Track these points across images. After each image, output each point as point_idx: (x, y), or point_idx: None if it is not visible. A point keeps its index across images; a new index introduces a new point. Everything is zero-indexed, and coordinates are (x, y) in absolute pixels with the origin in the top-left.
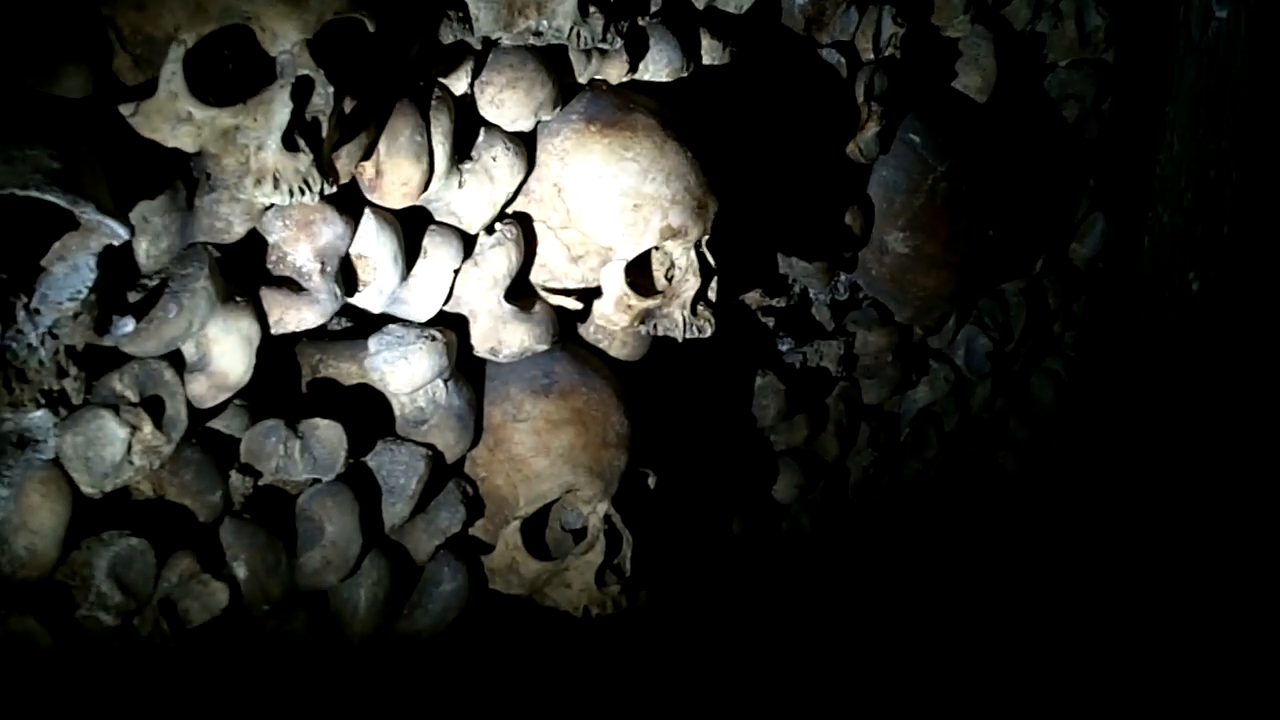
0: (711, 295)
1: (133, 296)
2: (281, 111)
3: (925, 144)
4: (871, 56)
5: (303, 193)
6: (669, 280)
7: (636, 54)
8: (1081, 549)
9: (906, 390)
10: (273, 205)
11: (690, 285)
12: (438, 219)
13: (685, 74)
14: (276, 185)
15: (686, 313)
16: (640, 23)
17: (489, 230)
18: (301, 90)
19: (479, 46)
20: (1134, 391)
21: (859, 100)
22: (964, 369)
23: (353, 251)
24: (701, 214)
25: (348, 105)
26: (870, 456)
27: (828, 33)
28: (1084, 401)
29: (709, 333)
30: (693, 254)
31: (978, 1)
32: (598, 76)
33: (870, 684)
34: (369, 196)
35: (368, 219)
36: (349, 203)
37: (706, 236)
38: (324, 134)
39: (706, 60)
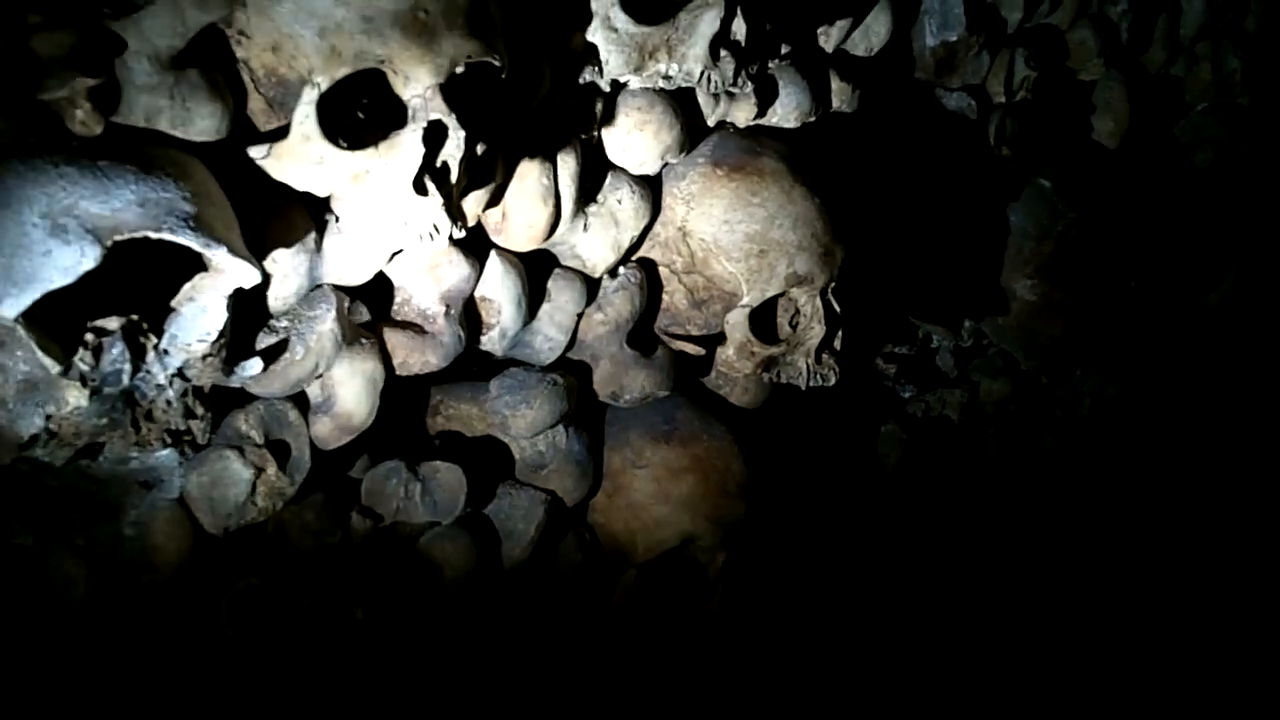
0: (837, 344)
1: (261, 337)
2: (413, 156)
3: (1056, 189)
4: (1003, 100)
5: (431, 238)
6: (793, 328)
7: (765, 97)
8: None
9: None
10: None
11: (815, 333)
12: (562, 262)
13: (813, 118)
14: (406, 229)
15: (811, 361)
16: (770, 67)
17: (612, 274)
18: (433, 134)
19: (608, 89)
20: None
21: (990, 143)
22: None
23: (477, 294)
24: (828, 261)
25: (478, 148)
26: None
27: (958, 76)
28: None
29: (833, 382)
30: (818, 301)
31: (1112, 45)
32: (726, 119)
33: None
34: (494, 239)
35: (493, 262)
36: (474, 245)
37: (833, 284)
38: (453, 178)
39: (835, 104)
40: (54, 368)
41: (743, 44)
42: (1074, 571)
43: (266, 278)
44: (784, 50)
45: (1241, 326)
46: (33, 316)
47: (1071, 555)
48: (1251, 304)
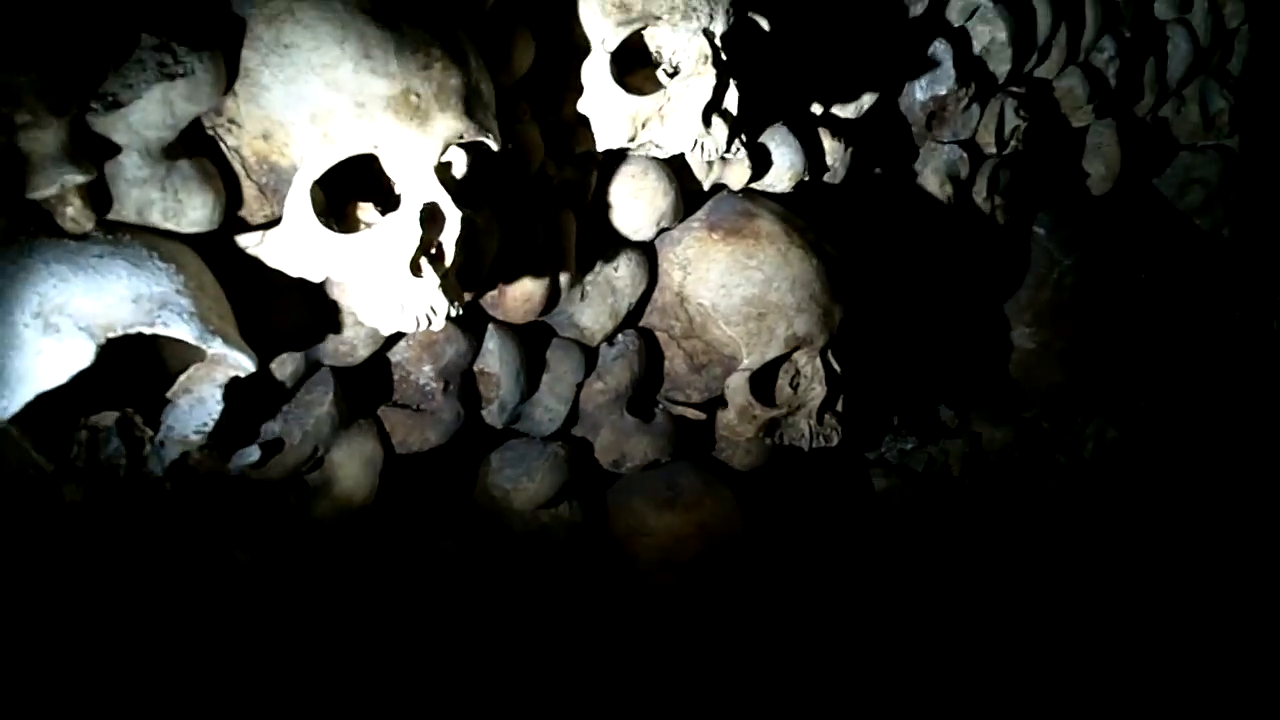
0: (839, 405)
1: (258, 423)
2: (408, 239)
3: (1051, 237)
4: (994, 151)
5: (429, 321)
6: (795, 389)
7: (759, 161)
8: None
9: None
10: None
11: (816, 394)
12: (560, 332)
13: (807, 178)
14: (402, 312)
15: (813, 422)
16: (762, 131)
17: (611, 341)
18: (427, 215)
19: (601, 157)
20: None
21: (981, 196)
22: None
23: (476, 368)
24: (827, 321)
25: (474, 224)
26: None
27: (949, 129)
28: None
29: (836, 442)
30: (818, 362)
31: (1101, 91)
32: (721, 182)
33: None
34: (491, 313)
35: (491, 336)
36: (472, 319)
37: (832, 344)
38: (449, 259)
39: (829, 162)
40: (48, 468)
41: (734, 111)
42: (1079, 617)
43: (262, 365)
44: (776, 115)
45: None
46: (26, 416)
47: (1077, 600)
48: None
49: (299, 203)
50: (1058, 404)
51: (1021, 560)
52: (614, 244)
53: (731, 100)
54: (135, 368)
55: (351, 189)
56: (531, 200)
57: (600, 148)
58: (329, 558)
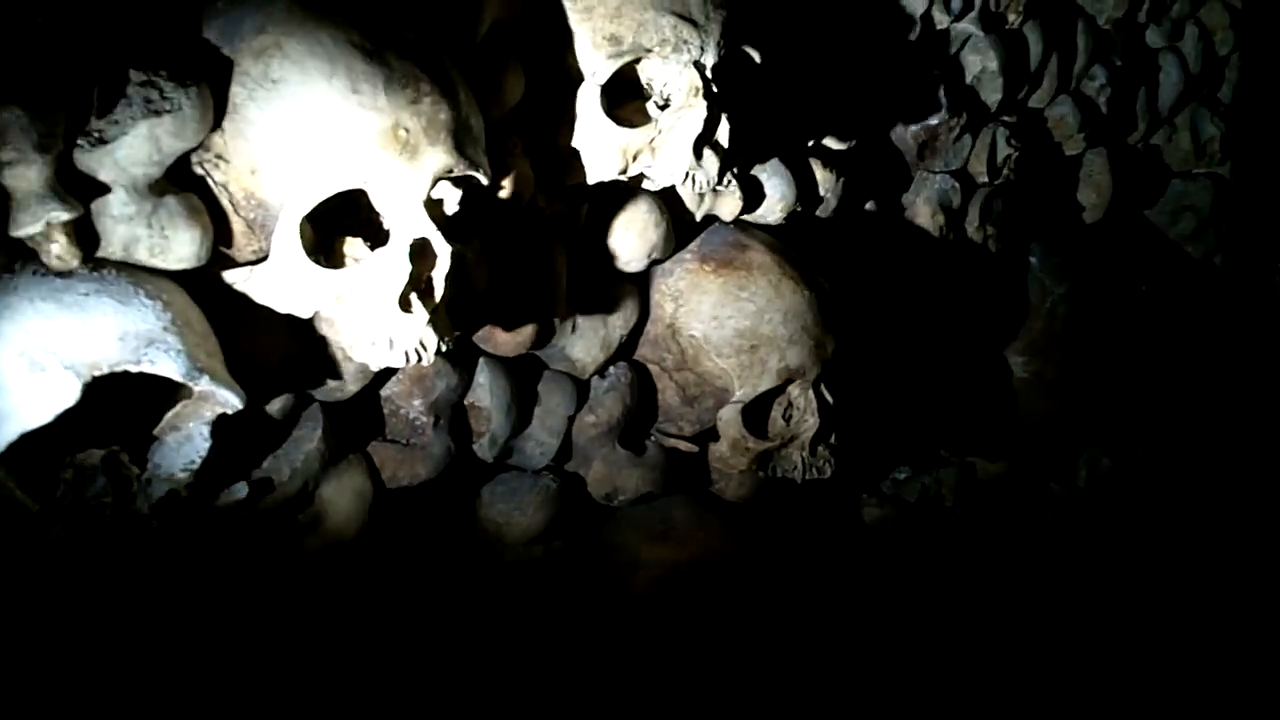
0: (832, 438)
1: (246, 459)
2: (397, 274)
3: (1043, 266)
4: (986, 180)
5: (419, 356)
6: (787, 421)
7: (750, 192)
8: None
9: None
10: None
11: (809, 426)
12: (551, 365)
13: (799, 209)
14: (391, 348)
15: (805, 454)
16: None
17: (602, 374)
18: (417, 251)
19: (592, 189)
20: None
21: (974, 226)
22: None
23: (467, 401)
24: (820, 353)
25: (464, 258)
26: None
27: (940, 159)
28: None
29: (829, 474)
30: (811, 394)
31: (1092, 119)
32: (712, 213)
33: None
34: (482, 346)
35: (482, 369)
36: (462, 353)
37: (825, 376)
38: (439, 295)
39: (821, 192)
40: (33, 507)
41: (726, 144)
42: (1073, 645)
43: (250, 402)
44: (768, 146)
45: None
46: (10, 455)
47: (1071, 629)
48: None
49: (287, 238)
50: (1051, 433)
51: (1015, 590)
52: (605, 276)
53: (723, 132)
54: (122, 404)
55: (340, 224)
56: (522, 233)
57: (591, 180)
58: (320, 593)
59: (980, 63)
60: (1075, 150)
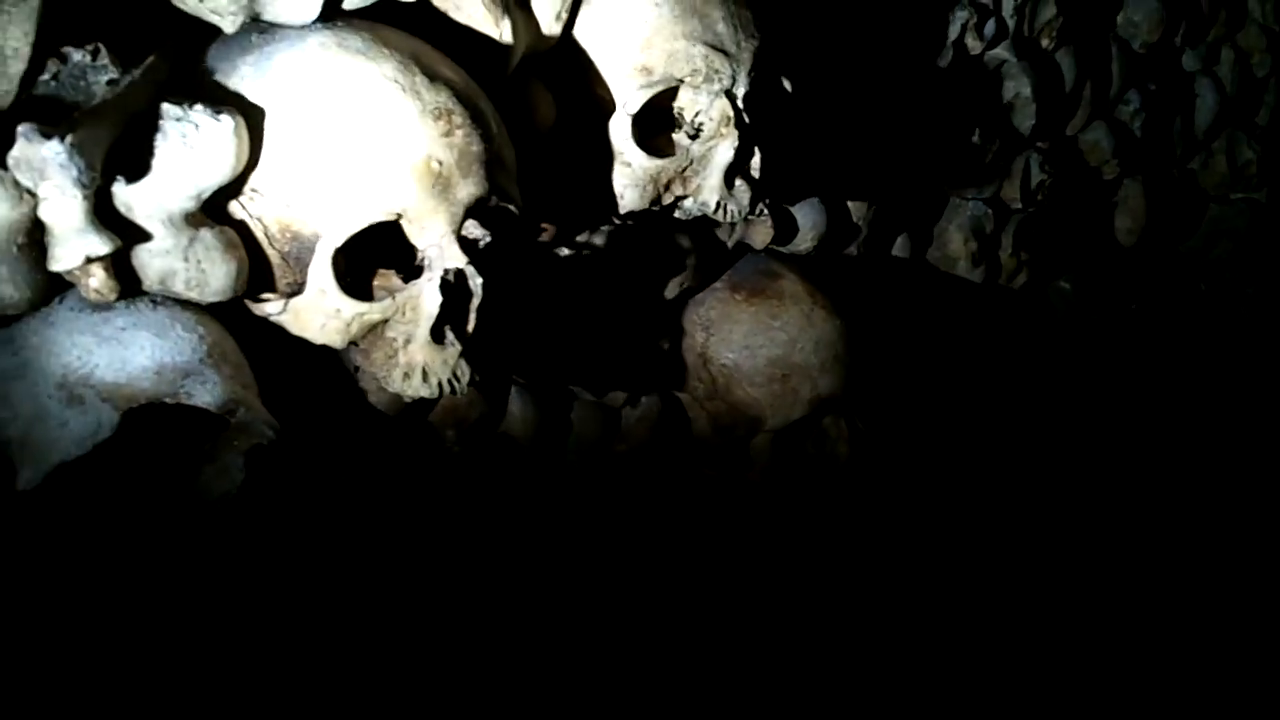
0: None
1: None
2: (430, 306)
3: (1076, 292)
4: (1019, 206)
5: (452, 388)
6: (819, 449)
7: (782, 221)
8: None
9: None
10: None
11: (842, 454)
12: (583, 395)
13: (830, 237)
14: (425, 379)
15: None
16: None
17: (633, 404)
18: (450, 282)
19: (619, 220)
20: None
21: (1007, 253)
22: None
23: (500, 430)
24: (852, 382)
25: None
26: None
27: (974, 185)
28: None
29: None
30: (843, 424)
31: (1126, 144)
32: (744, 241)
33: None
34: (514, 377)
35: (514, 399)
36: (495, 383)
37: (857, 405)
38: (471, 325)
39: (854, 218)
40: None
41: (757, 173)
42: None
43: (283, 433)
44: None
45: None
46: (46, 486)
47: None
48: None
49: (322, 270)
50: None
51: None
52: (637, 306)
53: (754, 162)
54: (157, 434)
55: (374, 256)
56: (548, 261)
57: (622, 210)
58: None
59: (1014, 88)
60: (1110, 175)
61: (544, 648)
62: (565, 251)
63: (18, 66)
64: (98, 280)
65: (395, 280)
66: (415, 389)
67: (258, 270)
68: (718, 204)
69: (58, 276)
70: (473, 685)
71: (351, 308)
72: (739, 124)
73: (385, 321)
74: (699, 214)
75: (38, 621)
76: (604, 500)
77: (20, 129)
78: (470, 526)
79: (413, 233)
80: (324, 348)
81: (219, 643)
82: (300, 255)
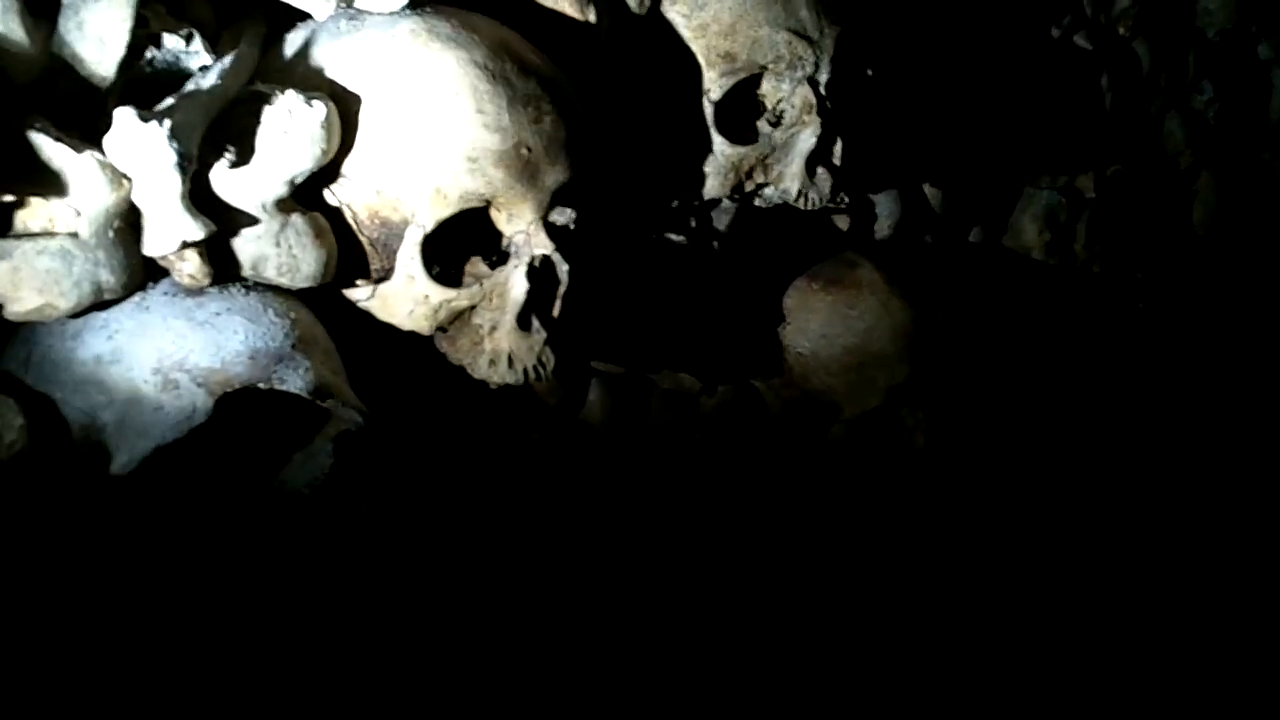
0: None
1: None
2: (518, 292)
3: (1150, 280)
4: (1093, 196)
5: (538, 375)
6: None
7: (861, 210)
8: None
9: None
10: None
11: (919, 445)
12: (661, 384)
13: (905, 223)
14: (510, 366)
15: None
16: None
17: (710, 393)
18: (536, 269)
19: (698, 206)
20: None
21: (1080, 244)
22: None
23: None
24: (927, 371)
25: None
26: None
27: (1048, 174)
28: None
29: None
30: (920, 413)
31: (1200, 133)
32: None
33: None
34: (596, 365)
35: (594, 388)
36: (576, 371)
37: (933, 393)
38: (556, 312)
39: (931, 207)
40: None
41: (839, 161)
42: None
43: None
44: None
45: None
46: (142, 470)
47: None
48: None
49: (410, 257)
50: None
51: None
52: (717, 295)
53: (836, 150)
54: (248, 419)
55: (462, 242)
56: (627, 248)
57: (706, 197)
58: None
59: (1091, 77)
60: (1185, 165)
61: (621, 626)
62: (646, 238)
63: (117, 51)
64: (192, 265)
65: (482, 267)
66: (501, 375)
67: (346, 256)
68: (799, 192)
69: (152, 261)
70: (544, 670)
71: (439, 294)
72: (821, 111)
73: (472, 308)
74: (780, 201)
75: (130, 601)
76: (680, 488)
77: (118, 113)
78: (546, 513)
79: (500, 219)
80: (411, 334)
81: (304, 621)
82: (389, 241)
